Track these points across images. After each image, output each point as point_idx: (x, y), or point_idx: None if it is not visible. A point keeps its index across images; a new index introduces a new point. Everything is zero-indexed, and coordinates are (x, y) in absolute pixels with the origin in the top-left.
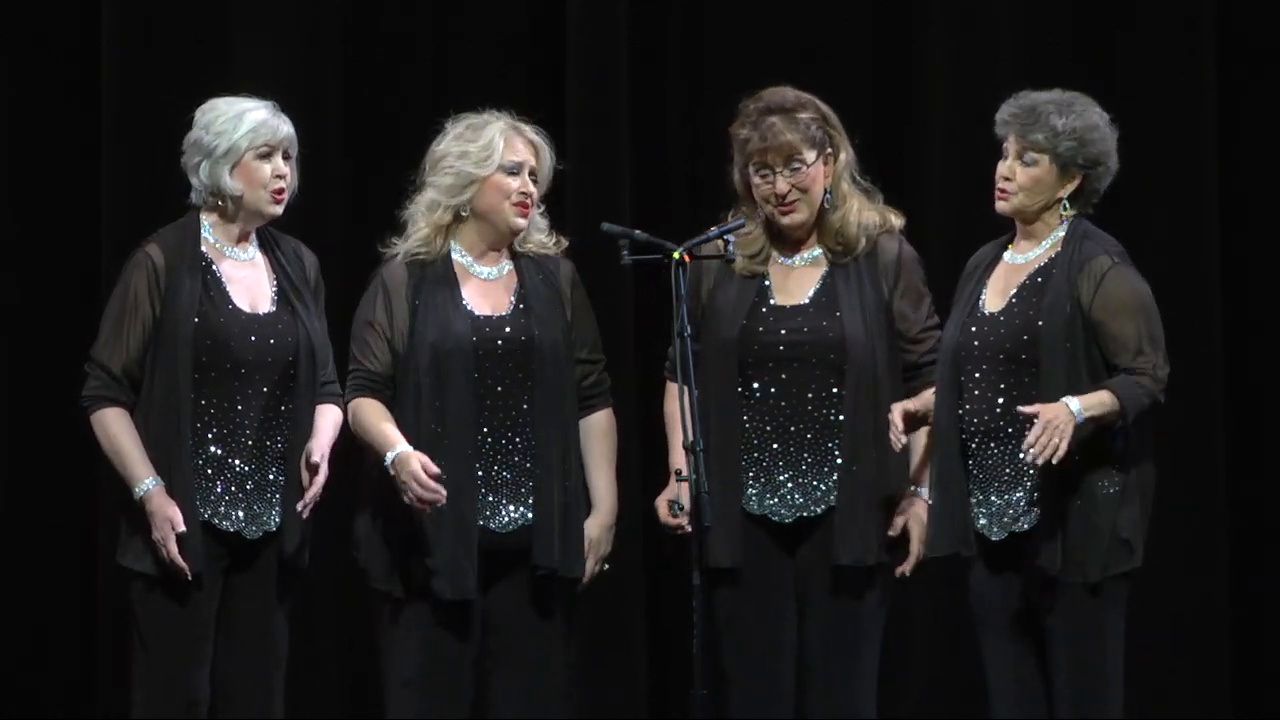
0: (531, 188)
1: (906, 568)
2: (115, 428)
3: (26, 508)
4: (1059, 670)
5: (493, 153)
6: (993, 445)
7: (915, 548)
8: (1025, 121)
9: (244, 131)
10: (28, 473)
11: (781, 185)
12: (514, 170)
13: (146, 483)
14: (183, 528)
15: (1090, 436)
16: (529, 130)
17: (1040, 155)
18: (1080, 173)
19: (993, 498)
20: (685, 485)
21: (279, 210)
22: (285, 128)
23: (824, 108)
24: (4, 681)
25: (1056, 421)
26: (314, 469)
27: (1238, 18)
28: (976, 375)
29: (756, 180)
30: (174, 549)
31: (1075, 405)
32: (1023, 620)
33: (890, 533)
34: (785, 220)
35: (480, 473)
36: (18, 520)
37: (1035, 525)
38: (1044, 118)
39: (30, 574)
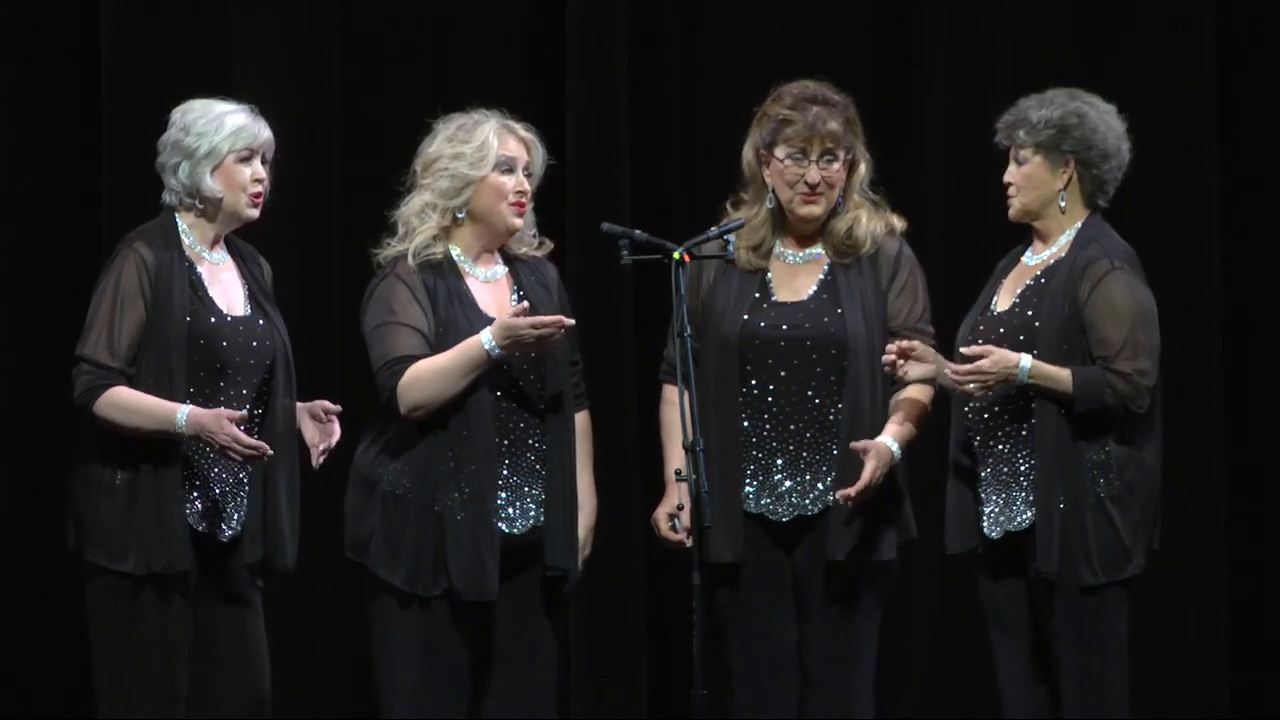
0: (526, 185)
1: (851, 491)
2: (124, 396)
3: (26, 508)
4: (1062, 671)
5: (487, 152)
6: (992, 443)
7: (867, 476)
8: (1011, 123)
9: (226, 134)
10: (28, 473)
11: (814, 174)
12: (509, 168)
13: (181, 411)
14: (238, 413)
15: (1089, 440)
16: (520, 128)
17: (1026, 151)
18: (1069, 160)
19: (992, 495)
20: (685, 485)
21: (256, 214)
22: (265, 132)
23: (854, 112)
24: (4, 682)
25: (989, 378)
26: (331, 413)
27: (1237, 18)
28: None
29: (787, 163)
30: (243, 436)
31: (1026, 364)
32: (1025, 621)
33: (852, 445)
34: (803, 210)
35: (500, 474)
36: (17, 520)
37: (1032, 526)
38: (1024, 114)
39: (30, 574)
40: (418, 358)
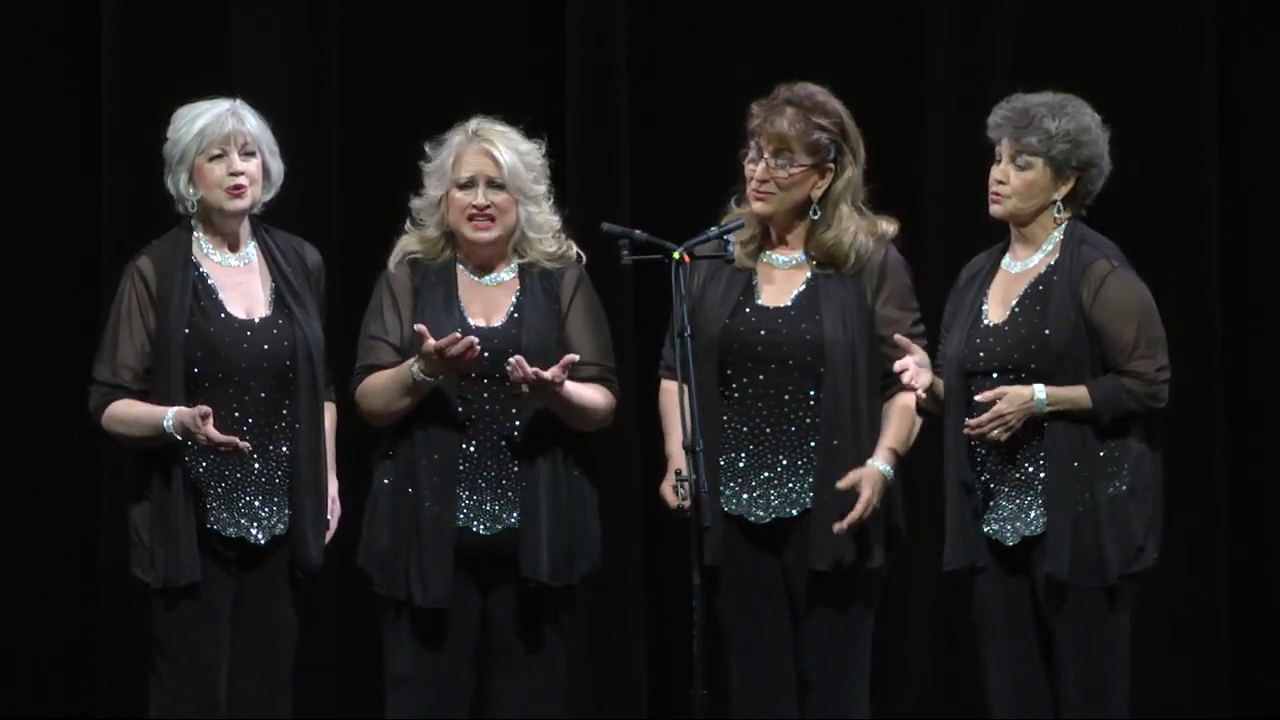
0: (486, 199)
1: (845, 524)
2: (121, 409)
3: (27, 511)
4: (1065, 672)
5: (445, 171)
6: (1002, 451)
7: (863, 504)
8: (1018, 125)
9: (192, 137)
10: (28, 477)
11: (760, 170)
12: (466, 184)
13: (168, 415)
14: (206, 409)
15: (1098, 439)
16: (486, 138)
17: (1034, 158)
18: (1074, 175)
19: (1003, 503)
20: (685, 471)
21: (242, 204)
22: (233, 124)
23: (848, 122)
24: (4, 681)
25: (1009, 418)
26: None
27: (1238, 18)
28: (985, 386)
29: (748, 160)
30: (214, 433)
31: (1041, 395)
32: (1027, 623)
33: (839, 485)
34: (754, 205)
35: (469, 479)
36: (18, 523)
37: (1046, 529)
38: (1037, 120)
39: (30, 575)
40: (380, 367)
